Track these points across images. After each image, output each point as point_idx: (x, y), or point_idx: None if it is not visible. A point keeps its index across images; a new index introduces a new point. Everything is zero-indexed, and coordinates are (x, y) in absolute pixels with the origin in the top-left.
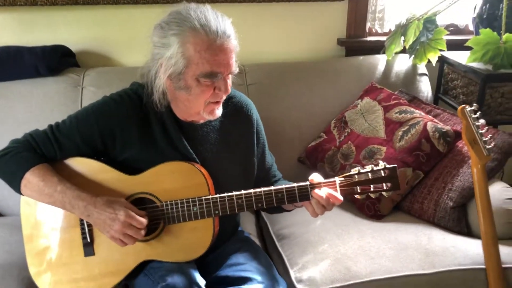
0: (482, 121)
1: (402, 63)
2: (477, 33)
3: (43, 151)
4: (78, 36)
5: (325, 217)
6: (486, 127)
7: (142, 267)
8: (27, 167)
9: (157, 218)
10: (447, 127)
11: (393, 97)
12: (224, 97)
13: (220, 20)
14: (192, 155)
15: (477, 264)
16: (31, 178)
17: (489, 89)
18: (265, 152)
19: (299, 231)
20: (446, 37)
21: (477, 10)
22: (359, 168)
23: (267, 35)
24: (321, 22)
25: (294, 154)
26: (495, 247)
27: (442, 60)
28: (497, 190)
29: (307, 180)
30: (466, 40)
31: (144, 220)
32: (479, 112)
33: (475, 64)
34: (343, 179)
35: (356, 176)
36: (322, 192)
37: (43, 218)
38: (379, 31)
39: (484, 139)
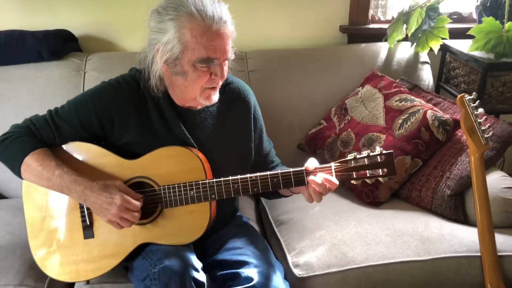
0: (481, 110)
1: (404, 51)
2: (480, 22)
3: (43, 136)
4: (81, 20)
5: (323, 204)
6: (485, 116)
7: (141, 250)
8: (26, 151)
9: (154, 201)
10: (447, 116)
11: (393, 85)
12: (221, 83)
13: (216, 6)
14: (190, 140)
15: (472, 252)
16: (30, 162)
17: (491, 78)
18: (262, 138)
19: (298, 217)
20: (448, 25)
21: None
22: (355, 153)
23: (269, 21)
24: (323, 9)
25: (294, 141)
26: (491, 235)
27: (444, 48)
28: (495, 179)
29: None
30: (469, 29)
31: (138, 204)
32: (478, 101)
33: (477, 53)
34: (338, 164)
35: (352, 162)
36: (317, 178)
37: (44, 201)
38: (382, 18)
39: (482, 128)
